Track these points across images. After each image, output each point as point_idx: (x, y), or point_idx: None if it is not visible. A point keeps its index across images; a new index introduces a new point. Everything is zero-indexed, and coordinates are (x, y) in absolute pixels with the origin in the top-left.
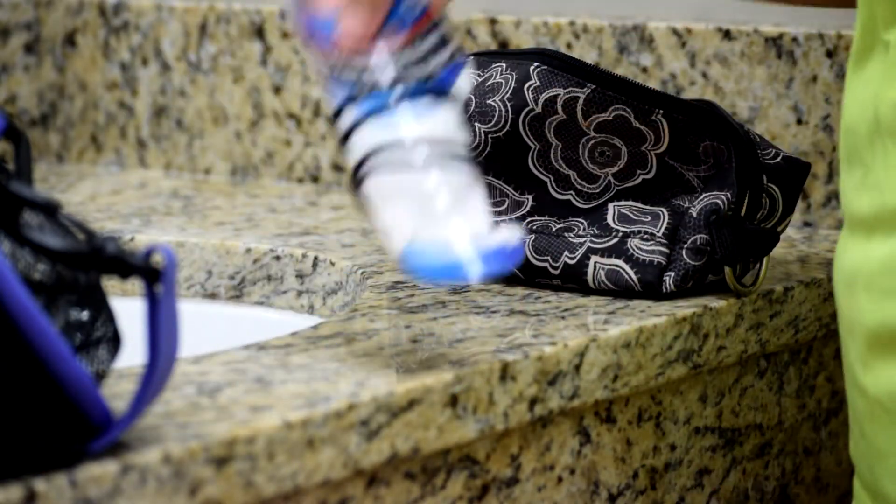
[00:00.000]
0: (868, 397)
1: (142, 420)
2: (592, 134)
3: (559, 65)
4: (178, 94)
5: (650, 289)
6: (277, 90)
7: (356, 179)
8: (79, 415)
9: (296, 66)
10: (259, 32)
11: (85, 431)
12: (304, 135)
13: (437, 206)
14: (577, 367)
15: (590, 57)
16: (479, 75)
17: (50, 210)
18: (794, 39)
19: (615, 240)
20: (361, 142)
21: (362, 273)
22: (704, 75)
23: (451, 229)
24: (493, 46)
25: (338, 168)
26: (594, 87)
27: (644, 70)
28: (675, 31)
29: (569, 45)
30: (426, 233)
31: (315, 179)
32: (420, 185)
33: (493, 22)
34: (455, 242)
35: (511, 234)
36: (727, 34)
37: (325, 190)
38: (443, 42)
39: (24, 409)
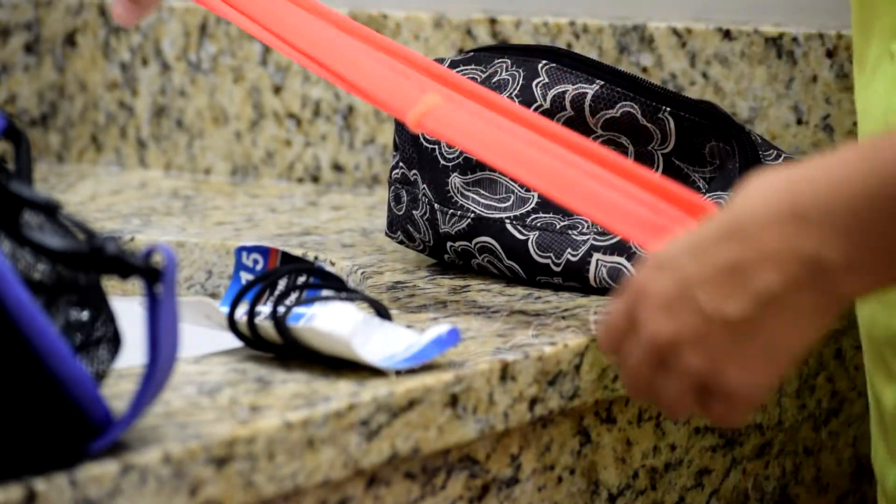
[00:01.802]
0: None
1: (142, 420)
2: (600, 132)
3: (568, 62)
4: (178, 94)
5: None
6: (277, 90)
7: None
8: (79, 415)
9: (296, 66)
10: None
11: (85, 431)
12: (304, 135)
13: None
14: (577, 367)
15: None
16: (481, 72)
17: (50, 210)
18: (794, 39)
19: (617, 238)
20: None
21: (362, 273)
22: (704, 75)
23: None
24: None
25: (338, 168)
26: (602, 83)
27: (644, 70)
28: (675, 31)
29: (569, 45)
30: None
31: (315, 179)
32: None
33: (493, 22)
34: (404, 335)
35: (440, 328)
36: (727, 34)
37: (325, 190)
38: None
39: (24, 409)
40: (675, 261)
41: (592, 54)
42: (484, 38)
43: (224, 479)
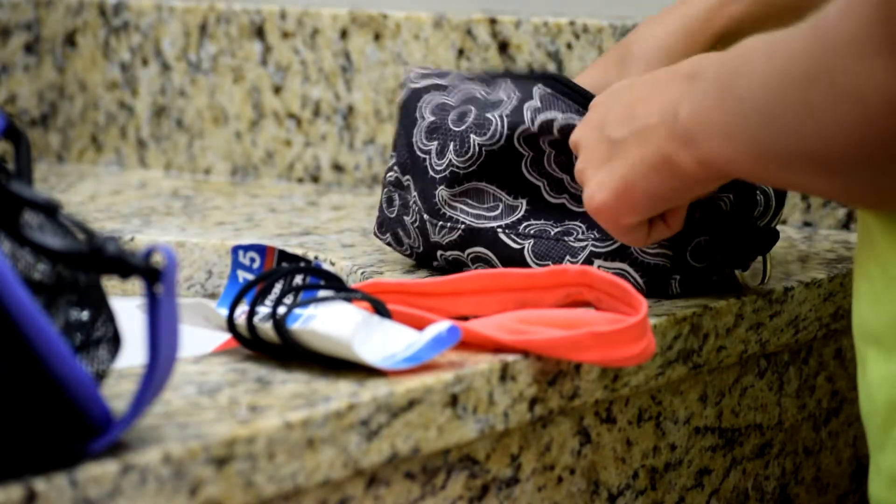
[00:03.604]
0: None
1: (142, 420)
2: None
3: (562, 90)
4: (178, 94)
5: (656, 292)
6: (277, 90)
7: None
8: (79, 415)
9: (296, 66)
10: (259, 32)
11: (85, 431)
12: (304, 135)
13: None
14: (578, 367)
15: (590, 57)
16: (484, 91)
17: (50, 210)
18: None
19: (618, 243)
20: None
21: (362, 273)
22: None
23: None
24: (493, 46)
25: (338, 168)
26: None
27: None
28: None
29: (569, 45)
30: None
31: (315, 179)
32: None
33: (493, 22)
34: (403, 335)
35: (440, 326)
36: None
37: (325, 190)
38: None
39: (24, 409)
40: (609, 95)
41: (592, 54)
42: (484, 38)
43: (224, 479)
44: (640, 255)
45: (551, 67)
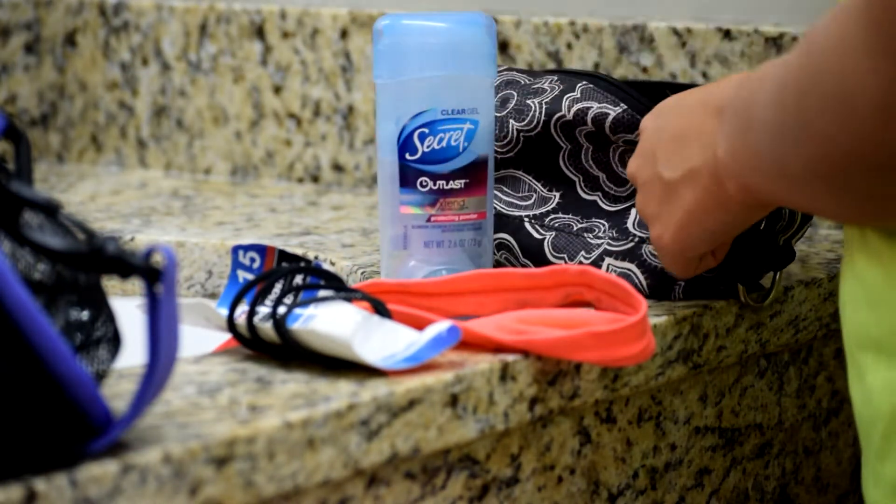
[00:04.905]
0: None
1: (142, 420)
2: (621, 144)
3: (604, 85)
4: (178, 94)
5: (658, 295)
6: (277, 90)
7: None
8: (79, 415)
9: (296, 66)
10: (259, 32)
11: (85, 431)
12: (304, 135)
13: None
14: (578, 367)
15: (590, 57)
16: (528, 79)
17: (50, 210)
18: (795, 39)
19: (631, 244)
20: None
21: (362, 273)
22: (704, 75)
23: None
24: None
25: (338, 168)
26: (625, 108)
27: (644, 70)
28: (675, 31)
29: (569, 45)
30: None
31: (315, 179)
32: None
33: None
34: (403, 334)
35: (440, 326)
36: (727, 34)
37: (325, 190)
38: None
39: (24, 409)
40: (656, 120)
41: (592, 54)
42: None
43: (224, 479)
44: (650, 259)
45: (551, 67)
